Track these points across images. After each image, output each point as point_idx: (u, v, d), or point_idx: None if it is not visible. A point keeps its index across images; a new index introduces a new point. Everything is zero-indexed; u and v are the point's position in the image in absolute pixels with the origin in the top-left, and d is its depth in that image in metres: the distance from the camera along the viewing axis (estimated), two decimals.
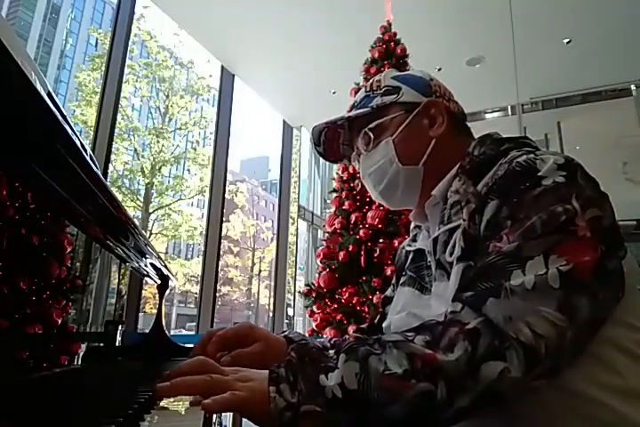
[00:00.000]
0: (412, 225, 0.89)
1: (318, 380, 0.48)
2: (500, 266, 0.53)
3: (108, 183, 0.59)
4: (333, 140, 0.85)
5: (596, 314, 0.52)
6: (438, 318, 0.58)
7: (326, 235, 3.73)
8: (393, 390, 0.47)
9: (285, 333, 0.75)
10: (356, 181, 3.62)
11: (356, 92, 4.07)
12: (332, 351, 0.53)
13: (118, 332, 0.89)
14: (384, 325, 0.81)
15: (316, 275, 3.65)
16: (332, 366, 0.50)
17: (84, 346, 0.68)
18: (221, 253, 6.58)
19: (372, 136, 0.76)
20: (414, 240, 0.85)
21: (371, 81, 0.82)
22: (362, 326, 0.95)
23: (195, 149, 13.95)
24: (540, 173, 0.57)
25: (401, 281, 0.82)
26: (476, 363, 0.47)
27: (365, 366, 0.48)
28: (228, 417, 2.16)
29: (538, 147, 0.69)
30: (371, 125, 0.76)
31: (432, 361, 0.48)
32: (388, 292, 0.93)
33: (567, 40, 4.97)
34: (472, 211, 0.63)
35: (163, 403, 0.67)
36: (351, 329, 3.05)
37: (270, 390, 0.47)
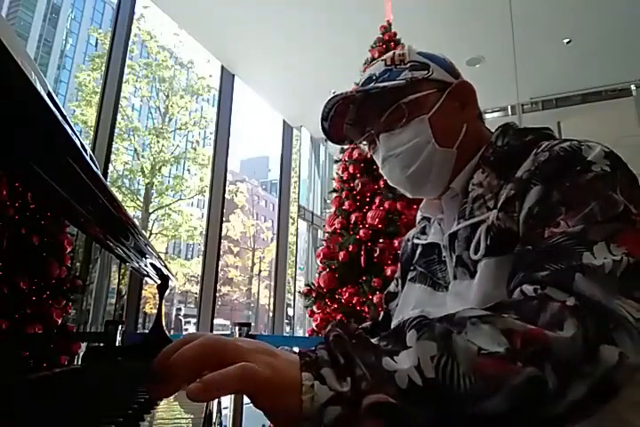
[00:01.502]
0: (419, 217, 0.83)
1: (382, 363, 0.36)
2: (569, 247, 0.48)
3: (108, 183, 0.59)
4: (341, 117, 0.75)
5: None
6: None
7: (326, 235, 3.73)
8: (494, 376, 0.36)
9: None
10: (356, 181, 3.62)
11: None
12: (373, 339, 0.41)
13: (118, 332, 0.89)
14: (394, 323, 0.76)
15: (316, 275, 3.64)
16: (391, 348, 0.38)
17: (83, 346, 0.68)
18: (221, 253, 6.58)
19: (406, 111, 0.69)
20: (423, 233, 0.79)
21: (390, 54, 0.74)
22: (363, 325, 0.89)
23: (195, 149, 13.96)
24: (589, 158, 0.54)
25: (410, 276, 0.77)
26: (594, 344, 0.39)
27: (449, 345, 0.37)
28: (228, 417, 2.14)
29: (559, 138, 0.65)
30: (404, 100, 0.68)
31: (539, 339, 0.38)
32: (392, 287, 0.87)
33: (567, 40, 4.97)
34: (510, 198, 0.58)
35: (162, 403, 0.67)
36: None
37: (304, 377, 0.34)
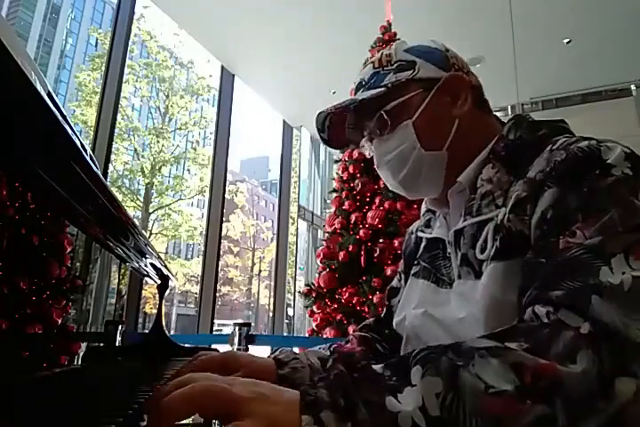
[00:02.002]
0: (424, 209, 0.80)
1: (385, 403, 0.35)
2: (586, 261, 0.45)
3: (108, 183, 0.59)
4: (339, 125, 0.75)
5: None
6: (459, 323, 0.52)
7: (326, 235, 3.73)
8: (502, 416, 0.34)
9: (275, 354, 0.67)
10: (356, 181, 3.62)
11: (356, 93, 4.06)
12: (377, 367, 0.40)
13: (118, 332, 0.89)
14: (396, 320, 0.74)
15: (316, 275, 3.65)
16: (394, 383, 0.37)
17: (83, 346, 0.68)
18: (221, 253, 6.58)
19: (388, 120, 0.67)
20: (427, 226, 0.77)
21: (379, 55, 0.72)
22: (366, 321, 0.88)
23: (195, 149, 13.97)
24: (608, 161, 0.50)
25: (413, 271, 0.75)
26: (609, 377, 0.37)
27: (455, 382, 0.36)
28: None
29: (574, 132, 0.63)
30: (386, 107, 0.67)
31: (550, 374, 0.36)
32: (394, 282, 0.85)
33: (567, 40, 4.97)
34: (521, 200, 0.55)
35: None
36: (351, 329, 3.05)
37: (303, 421, 0.33)
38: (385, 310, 0.85)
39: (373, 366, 0.40)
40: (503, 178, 0.60)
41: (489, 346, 0.39)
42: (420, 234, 0.78)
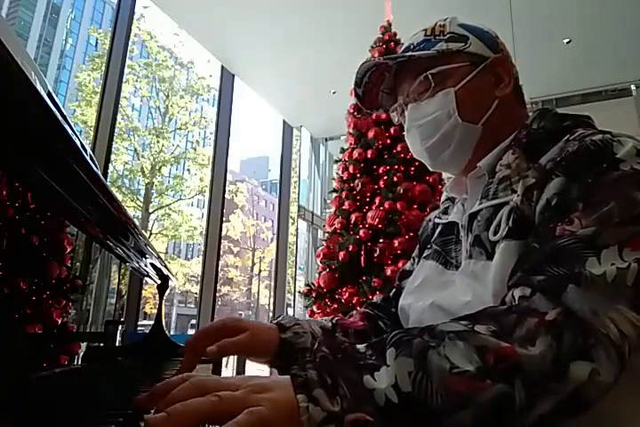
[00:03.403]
0: (444, 197, 0.82)
1: (363, 381, 0.39)
2: (575, 251, 0.47)
3: (108, 183, 0.59)
4: (376, 84, 0.76)
5: None
6: (465, 309, 0.52)
7: (326, 235, 3.73)
8: (463, 393, 0.38)
9: (278, 319, 0.68)
10: (356, 181, 3.62)
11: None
12: (360, 346, 0.43)
13: (118, 332, 0.89)
14: (401, 303, 0.74)
15: (316, 275, 3.65)
16: (373, 362, 0.41)
17: (83, 346, 0.68)
18: (221, 253, 6.58)
19: (432, 82, 0.68)
20: (445, 213, 0.78)
21: (432, 25, 0.74)
22: (374, 300, 0.88)
23: (195, 149, 13.97)
24: (618, 156, 0.51)
25: (425, 254, 0.77)
26: (564, 361, 0.40)
27: (423, 362, 0.39)
28: None
29: (596, 127, 0.63)
30: (432, 70, 0.68)
31: (509, 356, 0.39)
32: (408, 265, 0.86)
33: (567, 40, 4.97)
34: (530, 186, 0.57)
35: None
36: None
37: (299, 399, 0.37)
38: (394, 289, 0.85)
39: (357, 346, 0.43)
40: (522, 164, 0.61)
41: (458, 330, 0.42)
42: (436, 220, 0.79)
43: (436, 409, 0.38)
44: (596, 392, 0.41)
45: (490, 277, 0.56)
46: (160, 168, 12.81)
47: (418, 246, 0.86)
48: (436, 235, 0.77)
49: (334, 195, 3.82)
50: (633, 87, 5.87)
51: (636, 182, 0.50)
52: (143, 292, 1.13)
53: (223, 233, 6.21)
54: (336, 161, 4.00)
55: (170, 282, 1.26)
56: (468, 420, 0.38)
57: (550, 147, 0.59)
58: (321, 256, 3.60)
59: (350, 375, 0.39)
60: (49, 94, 0.38)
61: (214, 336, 0.59)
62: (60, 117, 0.40)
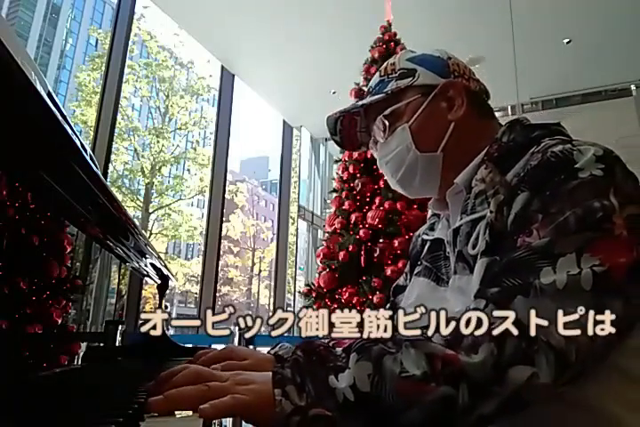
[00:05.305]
0: (430, 213, 0.85)
1: (327, 381, 0.45)
2: (529, 262, 0.49)
3: (108, 183, 0.59)
4: (350, 128, 0.82)
5: (628, 319, 0.48)
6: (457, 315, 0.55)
7: (326, 235, 3.73)
8: (410, 394, 0.43)
9: (275, 349, 0.70)
10: (356, 181, 3.62)
11: (356, 92, 4.10)
12: (339, 349, 0.50)
13: (118, 332, 0.89)
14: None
15: (316, 275, 3.65)
16: (341, 365, 0.47)
17: (83, 346, 0.68)
18: (221, 253, 6.58)
19: (386, 123, 0.73)
20: (432, 229, 0.81)
21: (385, 64, 0.78)
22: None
23: (195, 149, 13.95)
24: (577, 165, 0.53)
25: (416, 271, 0.79)
26: (503, 366, 0.44)
27: (379, 366, 0.45)
28: (228, 419, 2.16)
29: (570, 135, 0.65)
30: (385, 112, 0.73)
31: (453, 363, 0.44)
32: (401, 281, 0.89)
33: (567, 40, 4.97)
34: (500, 202, 0.58)
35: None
36: None
37: (275, 393, 0.44)
38: (389, 305, 0.87)
39: (336, 349, 0.50)
40: (496, 178, 0.62)
41: (414, 339, 0.47)
42: (424, 237, 0.82)
43: (388, 407, 0.43)
44: (534, 393, 0.44)
45: (469, 291, 0.57)
46: (160, 168, 12.79)
47: (409, 262, 0.88)
48: (425, 251, 0.79)
49: (334, 195, 3.83)
50: (633, 87, 5.87)
51: (595, 189, 0.51)
52: (143, 292, 1.13)
53: (223, 233, 6.22)
54: (336, 161, 4.00)
55: (170, 282, 1.26)
56: (416, 418, 0.43)
57: (520, 159, 0.60)
58: (321, 256, 3.60)
59: (318, 375, 0.45)
60: (49, 94, 0.38)
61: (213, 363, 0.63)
62: (60, 117, 0.40)
